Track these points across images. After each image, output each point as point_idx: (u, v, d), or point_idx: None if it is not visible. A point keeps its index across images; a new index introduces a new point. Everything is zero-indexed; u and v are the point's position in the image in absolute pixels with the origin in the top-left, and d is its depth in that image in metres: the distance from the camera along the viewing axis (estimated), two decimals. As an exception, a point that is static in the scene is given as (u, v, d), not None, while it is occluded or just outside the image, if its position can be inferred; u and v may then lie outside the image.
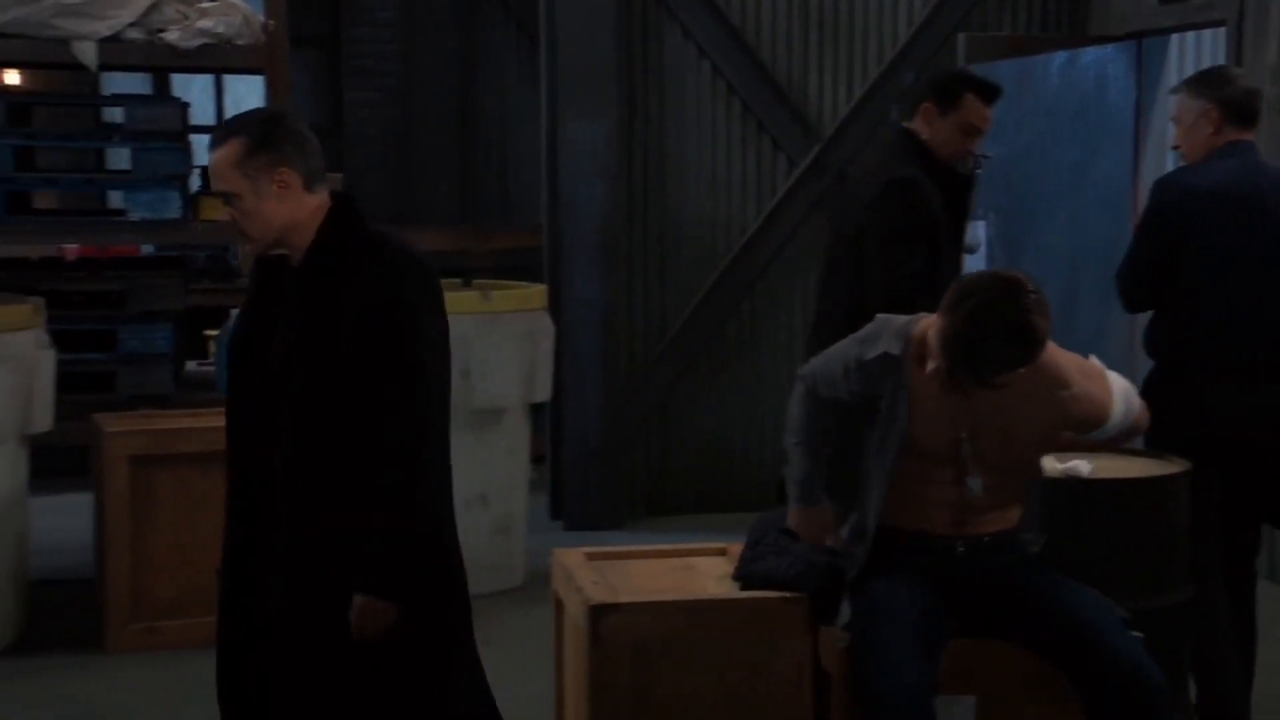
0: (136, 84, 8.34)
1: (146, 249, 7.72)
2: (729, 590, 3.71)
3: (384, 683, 3.19)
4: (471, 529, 6.01)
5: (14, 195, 5.90)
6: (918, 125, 4.52)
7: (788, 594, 3.59)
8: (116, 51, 5.67)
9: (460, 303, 6.12)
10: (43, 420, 5.46)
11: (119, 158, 7.28)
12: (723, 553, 4.03)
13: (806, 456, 3.62)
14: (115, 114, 6.97)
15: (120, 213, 6.35)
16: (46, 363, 5.49)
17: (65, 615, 5.69)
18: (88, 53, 5.55)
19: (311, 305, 3.07)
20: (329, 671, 3.16)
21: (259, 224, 3.03)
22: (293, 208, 3.01)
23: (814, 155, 7.37)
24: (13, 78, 7.69)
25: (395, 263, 3.06)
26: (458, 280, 6.49)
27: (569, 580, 3.86)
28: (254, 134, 3.01)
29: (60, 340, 5.64)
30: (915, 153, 4.47)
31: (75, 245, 7.36)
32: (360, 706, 3.19)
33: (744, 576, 3.71)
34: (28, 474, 5.55)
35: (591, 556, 4.00)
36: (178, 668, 5.21)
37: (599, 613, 3.55)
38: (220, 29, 5.69)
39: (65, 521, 6.39)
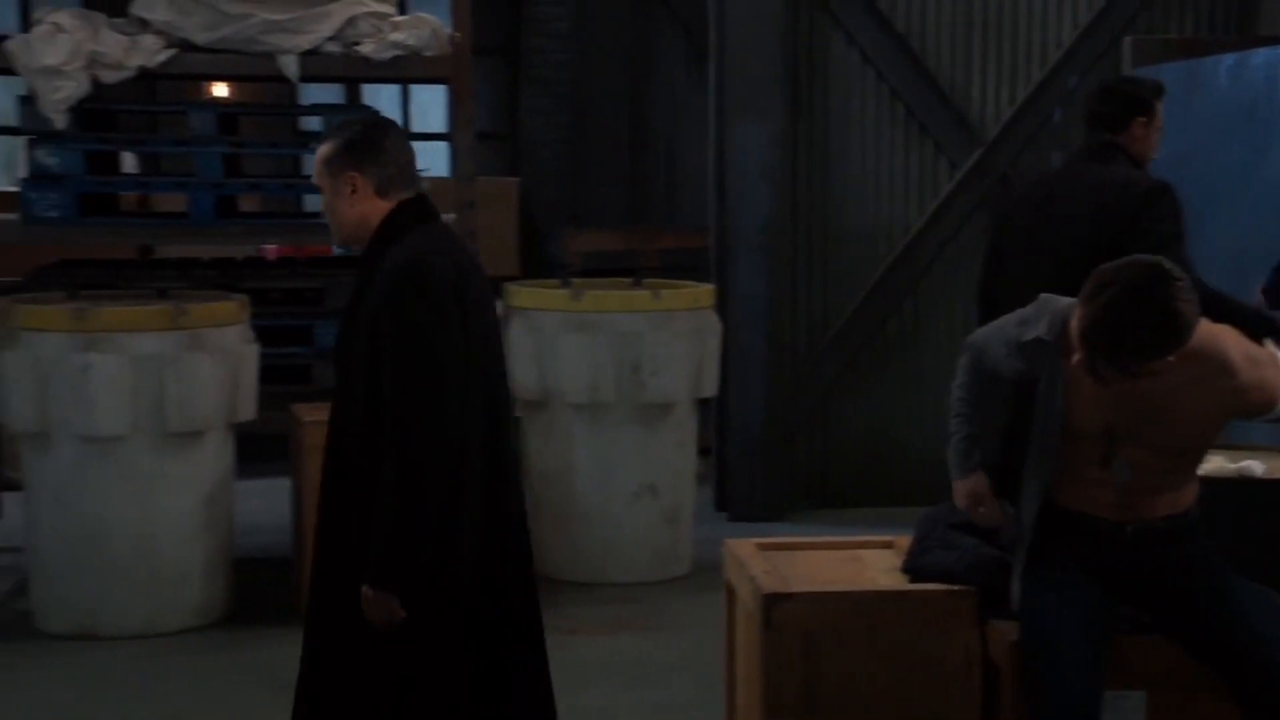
0: (330, 94, 8.57)
1: (338, 249, 7.91)
2: (898, 582, 3.68)
3: (380, 675, 3.16)
4: (642, 518, 6.12)
5: (223, 199, 6.10)
6: (1127, 140, 4.48)
7: (956, 587, 3.55)
8: (316, 64, 5.83)
9: (631, 301, 6.19)
10: (247, 410, 5.65)
11: (312, 163, 7.49)
12: (890, 545, 4.00)
13: (964, 427, 3.55)
14: (311, 122, 7.17)
15: (317, 214, 6.51)
16: (251, 356, 5.68)
17: (268, 591, 5.88)
18: (290, 66, 5.72)
19: (348, 306, 3.20)
20: (338, 657, 3.20)
21: (335, 219, 3.19)
22: (363, 210, 3.14)
23: (976, 158, 7.26)
24: (221, 90, 7.96)
25: (399, 269, 3.08)
26: (628, 279, 6.54)
27: (741, 569, 3.87)
28: (340, 139, 3.17)
29: (262, 335, 5.82)
30: (1129, 162, 4.47)
31: (275, 245, 7.58)
32: (355, 694, 3.19)
33: (913, 569, 3.67)
34: (234, 459, 5.74)
35: (762, 547, 4.00)
36: (369, 642, 5.34)
37: (771, 602, 3.55)
38: (411, 41, 5.81)
39: (267, 504, 6.59)
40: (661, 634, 5.49)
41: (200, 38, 5.66)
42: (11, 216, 5.93)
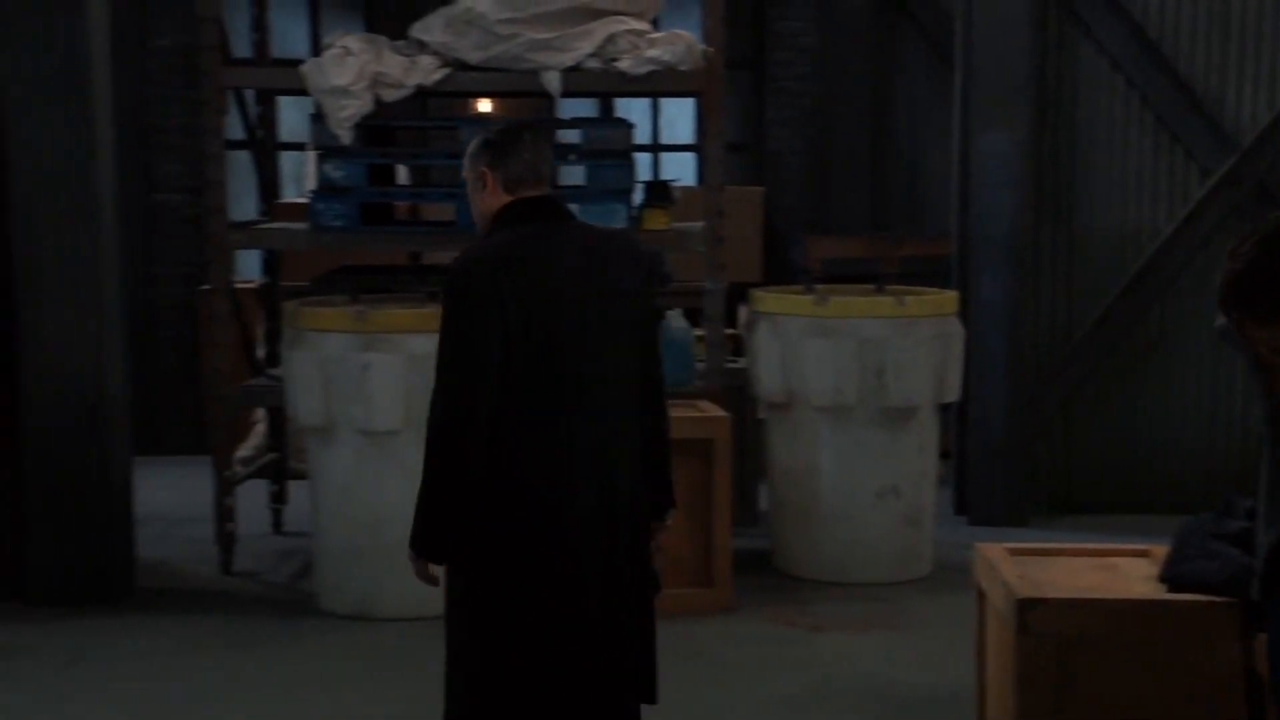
0: (584, 108, 8.72)
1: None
2: (1155, 591, 3.55)
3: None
4: (884, 519, 6.05)
5: (487, 209, 6.26)
6: None
7: (1219, 598, 3.40)
8: (575, 79, 5.93)
9: (875, 307, 6.13)
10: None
11: (570, 174, 7.65)
12: (1145, 555, 3.86)
13: None
14: (569, 135, 7.29)
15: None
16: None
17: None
18: (553, 81, 5.83)
19: None
20: None
21: (472, 207, 3.40)
22: (490, 202, 3.32)
23: (1230, 165, 6.92)
24: (484, 106, 8.19)
25: (453, 264, 3.27)
26: (870, 285, 6.47)
27: (992, 573, 3.79)
28: (482, 138, 3.36)
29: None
30: None
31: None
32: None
33: (1172, 579, 3.54)
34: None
35: (1013, 551, 3.91)
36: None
37: (1025, 606, 3.47)
38: (666, 56, 5.86)
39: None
40: (907, 633, 5.41)
41: (472, 57, 5.82)
42: (301, 226, 6.22)
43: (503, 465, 3.15)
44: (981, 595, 3.95)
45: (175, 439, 8.26)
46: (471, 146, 3.34)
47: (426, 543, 3.22)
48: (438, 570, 3.29)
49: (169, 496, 7.15)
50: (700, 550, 5.58)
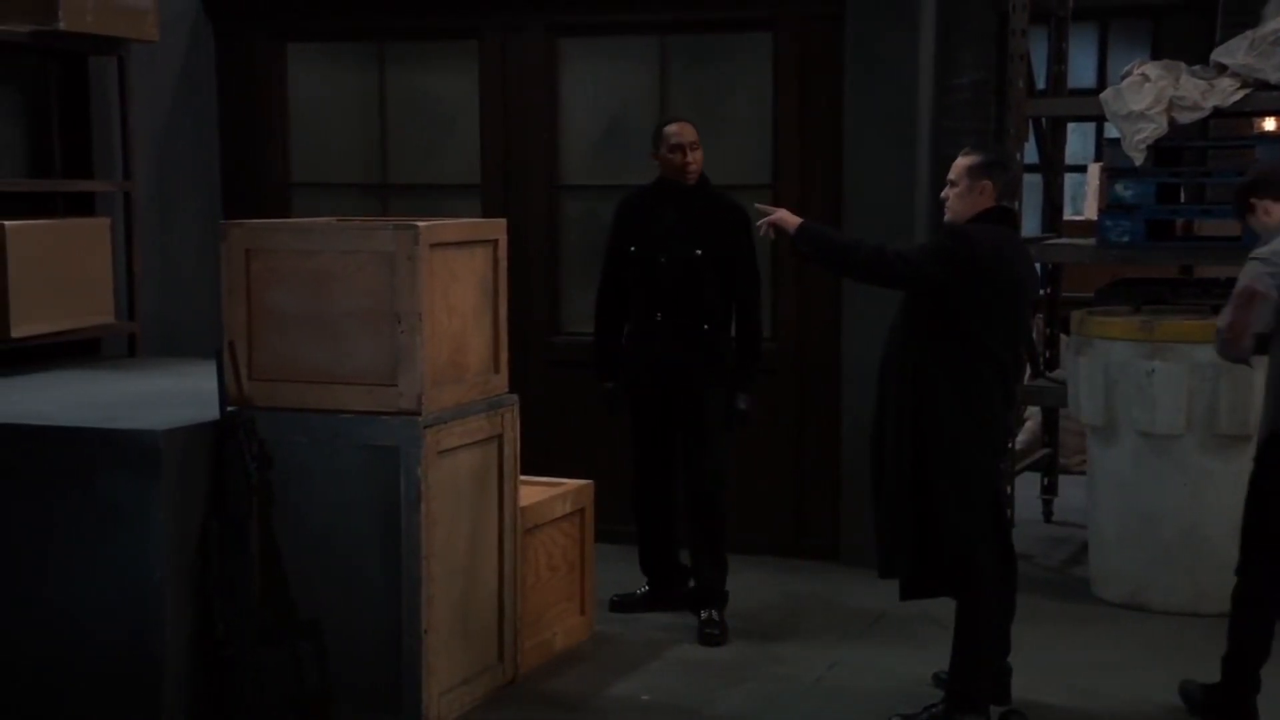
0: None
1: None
2: None
3: None
4: None
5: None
6: None
7: None
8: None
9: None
10: (1293, 419, 5.45)
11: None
12: None
13: None
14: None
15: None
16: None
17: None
18: None
19: None
20: None
21: (957, 205, 4.18)
22: (977, 204, 4.15)
23: None
24: (1267, 124, 7.71)
25: (961, 235, 4.16)
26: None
27: None
28: (987, 157, 4.18)
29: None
30: None
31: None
32: None
33: None
34: None
35: None
36: None
37: None
38: None
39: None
40: None
41: (1274, 77, 5.54)
42: (1084, 241, 6.26)
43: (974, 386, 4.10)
44: None
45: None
46: (975, 160, 4.15)
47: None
48: None
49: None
50: None
